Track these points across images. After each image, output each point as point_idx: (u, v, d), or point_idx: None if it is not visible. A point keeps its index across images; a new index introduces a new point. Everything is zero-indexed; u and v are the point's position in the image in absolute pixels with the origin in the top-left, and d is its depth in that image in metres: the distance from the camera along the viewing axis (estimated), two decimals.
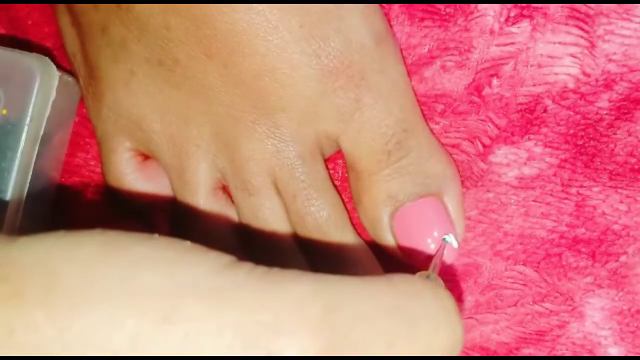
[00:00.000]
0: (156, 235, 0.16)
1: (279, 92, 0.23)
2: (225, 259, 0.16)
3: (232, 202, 0.25)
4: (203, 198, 0.24)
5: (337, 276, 0.16)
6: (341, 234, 0.25)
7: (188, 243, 0.16)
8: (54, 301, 0.14)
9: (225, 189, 0.25)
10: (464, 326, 0.17)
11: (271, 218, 0.24)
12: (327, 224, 0.24)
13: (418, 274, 0.21)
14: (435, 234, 0.24)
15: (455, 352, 0.17)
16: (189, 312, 0.15)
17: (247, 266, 0.16)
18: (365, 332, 0.16)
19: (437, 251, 0.24)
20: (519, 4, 0.25)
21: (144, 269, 0.15)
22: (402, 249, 0.24)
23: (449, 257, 0.24)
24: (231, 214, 0.25)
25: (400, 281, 0.17)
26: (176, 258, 0.16)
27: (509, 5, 0.25)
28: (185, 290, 0.15)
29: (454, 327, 0.17)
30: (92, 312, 0.14)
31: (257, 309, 0.15)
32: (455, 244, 0.24)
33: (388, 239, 0.24)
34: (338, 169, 0.26)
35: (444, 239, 0.24)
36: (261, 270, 0.16)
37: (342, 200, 0.26)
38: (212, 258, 0.16)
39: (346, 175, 0.26)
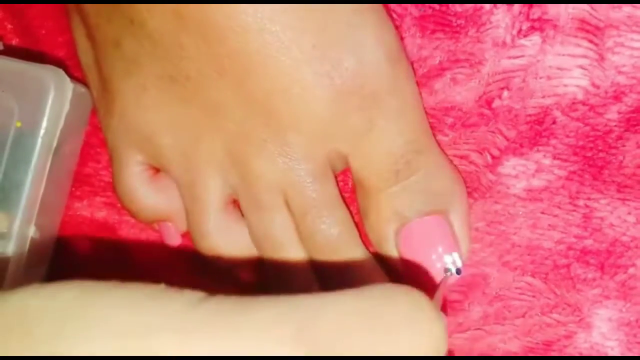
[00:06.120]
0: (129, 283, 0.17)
1: (291, 111, 0.23)
2: (197, 295, 0.16)
3: (243, 216, 0.25)
4: (214, 214, 0.25)
5: (309, 295, 0.17)
6: (351, 251, 0.25)
7: (162, 285, 0.17)
8: (32, 346, 0.15)
9: (236, 203, 0.26)
10: (445, 322, 0.17)
11: (281, 235, 0.24)
12: (337, 242, 0.24)
13: None
14: (440, 250, 0.24)
15: (441, 349, 0.17)
16: (164, 349, 0.15)
17: (218, 298, 0.16)
18: (344, 346, 0.16)
19: (439, 285, 0.24)
20: (530, 19, 0.25)
21: (118, 312, 0.16)
22: (406, 265, 0.24)
23: (453, 278, 0.24)
24: (242, 229, 0.25)
25: (372, 290, 0.17)
26: (149, 299, 0.16)
27: (521, 18, 0.25)
28: (159, 328, 0.16)
29: (433, 325, 0.17)
30: (69, 352, 0.15)
31: (228, 337, 0.15)
32: (459, 263, 0.24)
33: (394, 255, 0.24)
34: (348, 180, 0.26)
35: (449, 270, 0.24)
36: (232, 299, 0.16)
37: (351, 212, 0.26)
38: (185, 295, 0.16)
39: None
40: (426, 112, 0.25)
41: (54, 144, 0.25)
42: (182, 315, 0.16)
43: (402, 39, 0.25)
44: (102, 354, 0.15)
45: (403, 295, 0.17)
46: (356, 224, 0.26)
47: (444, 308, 0.26)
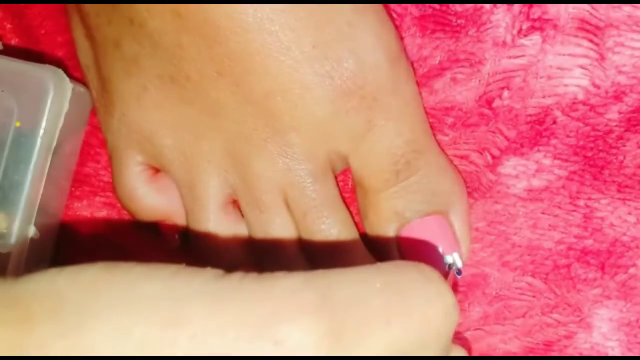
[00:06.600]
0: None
1: (291, 112, 0.23)
2: (219, 271, 0.17)
3: (243, 216, 0.25)
4: (213, 214, 0.25)
5: (326, 269, 0.18)
6: (351, 251, 0.25)
7: (183, 264, 0.17)
8: (62, 319, 0.16)
9: (235, 203, 0.26)
10: (453, 294, 0.19)
11: (281, 235, 0.24)
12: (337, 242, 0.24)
13: None
14: (440, 250, 0.24)
15: (452, 319, 0.18)
16: (192, 314, 0.16)
17: (239, 273, 0.17)
18: (362, 312, 0.17)
19: (447, 278, 0.24)
20: (530, 19, 0.25)
21: (144, 282, 0.16)
22: None
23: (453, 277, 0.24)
24: (241, 229, 0.25)
25: (385, 264, 0.19)
26: (173, 273, 0.17)
27: (521, 18, 0.25)
28: (186, 296, 0.16)
29: (443, 295, 0.18)
30: (99, 324, 0.15)
31: (255, 304, 0.16)
32: (459, 263, 0.24)
33: (393, 256, 0.24)
34: (348, 180, 0.26)
35: (449, 265, 0.24)
36: (253, 274, 0.17)
37: (351, 212, 0.26)
38: (207, 270, 0.17)
39: None
40: (426, 112, 0.25)
41: (54, 144, 0.24)
42: (207, 285, 0.16)
43: (402, 39, 0.25)
44: (129, 326, 0.15)
45: (415, 269, 0.18)
46: (356, 224, 0.26)
47: None
